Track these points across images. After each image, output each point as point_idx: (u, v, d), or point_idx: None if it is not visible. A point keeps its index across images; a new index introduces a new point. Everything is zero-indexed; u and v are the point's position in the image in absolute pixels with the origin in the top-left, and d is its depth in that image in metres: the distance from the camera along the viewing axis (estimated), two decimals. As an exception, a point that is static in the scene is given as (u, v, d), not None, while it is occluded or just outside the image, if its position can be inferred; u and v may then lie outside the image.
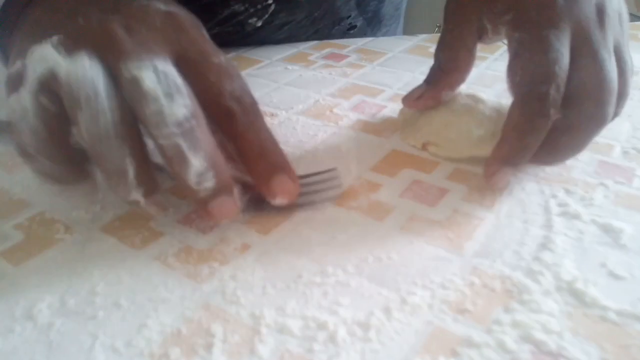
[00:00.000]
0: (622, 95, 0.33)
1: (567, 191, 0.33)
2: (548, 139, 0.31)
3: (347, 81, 0.49)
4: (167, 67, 0.25)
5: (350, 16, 0.63)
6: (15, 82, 0.25)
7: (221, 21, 0.56)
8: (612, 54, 0.32)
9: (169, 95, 0.24)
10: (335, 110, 0.43)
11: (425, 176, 0.34)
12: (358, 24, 0.65)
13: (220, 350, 0.22)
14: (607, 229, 0.29)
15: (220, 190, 0.25)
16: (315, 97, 0.46)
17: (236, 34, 0.57)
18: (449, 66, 0.37)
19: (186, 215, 0.31)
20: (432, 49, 0.57)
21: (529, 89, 0.31)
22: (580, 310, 0.24)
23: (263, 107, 0.43)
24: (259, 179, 0.28)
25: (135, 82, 0.24)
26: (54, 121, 0.25)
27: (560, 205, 0.32)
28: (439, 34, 0.61)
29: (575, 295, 0.25)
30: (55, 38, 0.24)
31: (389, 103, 0.45)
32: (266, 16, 0.56)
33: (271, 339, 0.23)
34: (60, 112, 0.24)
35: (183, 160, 0.24)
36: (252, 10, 0.55)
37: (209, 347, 0.22)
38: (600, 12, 0.32)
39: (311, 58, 0.55)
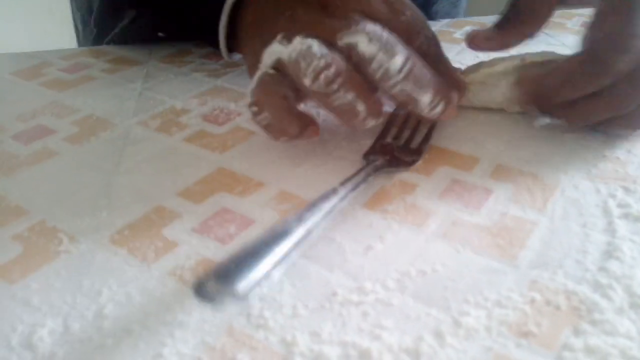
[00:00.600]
0: None
1: (626, 189, 0.29)
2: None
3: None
4: (375, 27, 0.28)
5: None
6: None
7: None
8: None
9: (384, 50, 0.28)
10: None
11: (466, 174, 0.31)
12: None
13: (248, 384, 0.19)
14: (678, 234, 0.26)
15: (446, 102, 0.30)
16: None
17: None
18: (525, 10, 0.34)
19: (203, 223, 0.27)
20: (456, 34, 0.54)
21: (603, 48, 0.30)
22: (662, 331, 0.21)
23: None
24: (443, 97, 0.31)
25: (352, 48, 0.28)
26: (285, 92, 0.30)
27: (620, 206, 0.28)
28: (462, 19, 0.57)
29: (654, 313, 0.22)
30: (278, 36, 0.29)
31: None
32: None
33: (306, 370, 0.20)
34: (290, 86, 0.30)
35: (412, 100, 0.29)
36: None
37: (235, 381, 0.19)
38: None
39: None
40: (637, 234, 0.26)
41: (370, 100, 0.29)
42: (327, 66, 0.27)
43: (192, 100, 0.41)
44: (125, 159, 0.34)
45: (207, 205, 0.29)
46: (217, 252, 0.25)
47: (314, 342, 0.21)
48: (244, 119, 0.38)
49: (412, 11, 0.31)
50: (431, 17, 0.60)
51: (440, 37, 0.51)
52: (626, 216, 0.27)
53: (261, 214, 0.28)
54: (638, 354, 0.20)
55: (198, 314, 0.22)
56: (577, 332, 0.21)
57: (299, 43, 0.28)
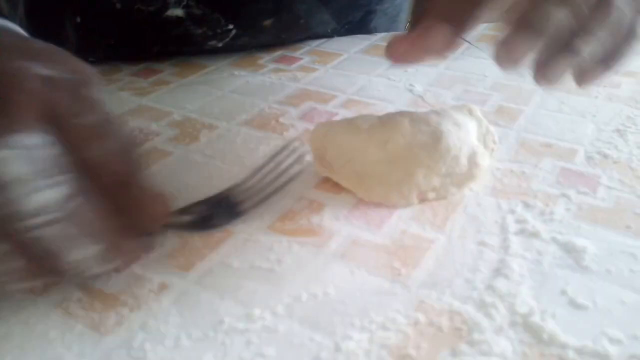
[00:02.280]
0: None
1: (526, 205, 0.30)
2: None
3: (297, 86, 0.46)
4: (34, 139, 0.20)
5: (332, 34, 0.58)
6: None
7: (178, 40, 0.51)
8: None
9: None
10: (281, 119, 0.40)
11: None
12: (341, 34, 0.59)
13: (118, 421, 0.19)
14: (568, 249, 0.27)
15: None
16: (261, 106, 0.42)
17: (195, 53, 0.52)
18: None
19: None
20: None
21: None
22: (536, 349, 0.21)
23: (203, 119, 0.40)
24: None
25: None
26: None
27: (518, 222, 0.29)
28: (397, 32, 0.58)
29: (531, 331, 0.22)
30: None
31: (341, 110, 0.42)
32: (227, 39, 0.51)
33: (178, 405, 0.19)
34: None
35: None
36: (210, 33, 0.50)
37: (103, 418, 0.19)
38: None
39: (261, 62, 0.51)
40: (529, 250, 0.27)
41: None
42: None
43: (112, 120, 0.40)
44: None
45: (108, 232, 0.28)
46: (108, 280, 0.25)
47: (190, 374, 0.21)
48: (163, 139, 0.38)
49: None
50: (370, 32, 0.60)
51: (374, 52, 0.50)
52: (522, 232, 0.28)
53: (163, 238, 0.28)
54: (509, 374, 0.20)
55: (78, 347, 0.22)
56: (454, 353, 0.21)
57: None
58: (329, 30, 0.57)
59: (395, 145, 0.30)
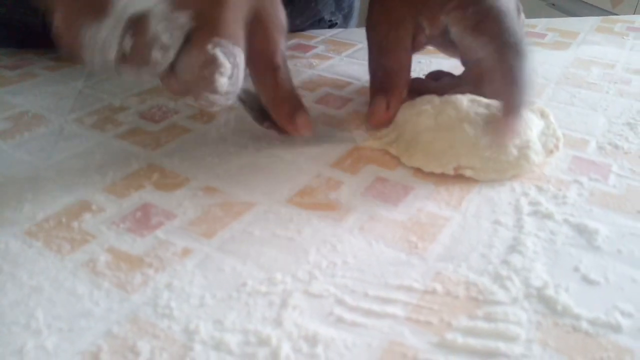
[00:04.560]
0: None
1: (539, 189, 0.31)
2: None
3: (312, 73, 0.47)
4: (240, 55, 0.28)
5: (330, 17, 0.60)
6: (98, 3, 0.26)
7: None
8: None
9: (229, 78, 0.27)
10: (297, 102, 0.41)
11: (390, 173, 0.32)
12: (338, 22, 0.62)
13: (146, 371, 0.20)
14: (580, 230, 0.27)
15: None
16: (278, 89, 0.43)
17: None
18: (395, 69, 0.36)
19: (123, 217, 0.28)
20: (404, 40, 0.55)
21: (507, 41, 0.33)
22: (550, 319, 0.22)
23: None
24: (284, 118, 0.33)
25: (210, 61, 0.27)
26: None
27: (531, 204, 0.29)
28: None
29: (545, 302, 0.23)
30: None
31: (355, 96, 0.43)
32: None
33: (204, 357, 0.20)
34: None
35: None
36: None
37: (132, 367, 0.20)
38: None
39: (277, 49, 0.52)
40: (542, 230, 0.27)
41: None
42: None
43: (131, 98, 0.41)
44: (56, 154, 0.34)
45: (131, 200, 0.29)
46: (133, 244, 0.26)
47: (216, 330, 0.21)
48: (181, 117, 0.38)
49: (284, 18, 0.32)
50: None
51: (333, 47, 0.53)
52: (535, 213, 0.29)
53: (184, 208, 0.28)
54: (524, 339, 0.21)
55: (106, 304, 0.22)
56: (471, 319, 0.22)
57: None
58: (332, 15, 0.59)
59: (445, 116, 0.32)
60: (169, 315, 0.22)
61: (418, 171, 0.32)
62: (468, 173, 0.31)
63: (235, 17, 0.28)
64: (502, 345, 0.21)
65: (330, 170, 0.32)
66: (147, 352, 0.20)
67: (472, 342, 0.21)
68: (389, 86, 0.36)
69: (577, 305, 0.23)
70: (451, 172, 0.31)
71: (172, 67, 0.28)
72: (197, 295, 0.23)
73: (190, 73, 0.27)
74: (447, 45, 0.38)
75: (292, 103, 0.33)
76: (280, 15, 0.31)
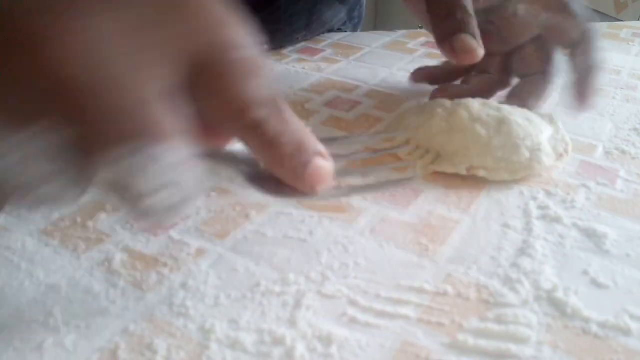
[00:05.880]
0: None
1: (548, 193, 0.31)
2: None
3: (321, 76, 0.47)
4: (173, 153, 0.17)
5: (340, 27, 0.61)
6: None
7: None
8: None
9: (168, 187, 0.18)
10: (306, 106, 0.41)
11: (399, 176, 0.32)
12: (348, 31, 0.63)
13: (163, 368, 0.20)
14: (589, 234, 0.28)
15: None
16: (286, 92, 0.43)
17: None
18: (472, 12, 0.33)
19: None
20: (411, 45, 0.56)
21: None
22: (560, 322, 0.22)
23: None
24: (291, 177, 0.21)
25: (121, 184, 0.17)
26: None
27: (540, 207, 0.30)
28: (418, 30, 0.59)
29: (555, 305, 0.23)
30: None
31: (364, 99, 0.43)
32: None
33: (221, 356, 0.20)
34: None
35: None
36: None
37: (150, 365, 0.20)
38: None
39: (285, 52, 0.52)
40: (551, 233, 0.28)
41: None
42: None
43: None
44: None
45: (145, 200, 0.29)
46: (147, 244, 0.26)
47: (231, 329, 0.22)
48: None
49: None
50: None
51: (394, 48, 0.54)
52: (544, 217, 0.29)
53: (197, 209, 0.29)
54: (535, 341, 0.21)
55: (122, 302, 0.23)
56: (482, 321, 0.22)
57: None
58: (342, 25, 0.60)
59: (457, 118, 0.32)
60: (185, 314, 0.22)
61: (428, 175, 0.32)
62: (481, 173, 0.31)
63: (141, 99, 0.17)
64: (513, 347, 0.21)
65: (339, 174, 0.32)
66: (164, 350, 0.20)
67: (484, 343, 0.21)
68: (473, 27, 0.32)
69: (587, 308, 0.23)
70: (464, 172, 0.31)
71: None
72: (212, 295, 0.23)
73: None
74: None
75: (298, 156, 0.21)
76: (236, 53, 0.20)
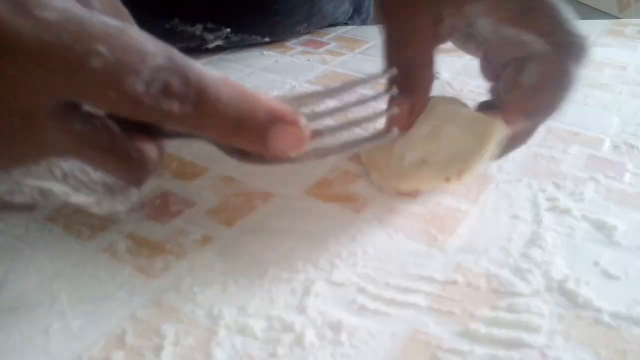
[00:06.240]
0: None
1: (557, 185, 0.31)
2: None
3: (326, 68, 0.47)
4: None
5: (347, 22, 0.60)
6: None
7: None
8: None
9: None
10: (312, 97, 0.41)
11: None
12: (356, 25, 0.62)
13: (171, 354, 0.20)
14: (599, 226, 0.27)
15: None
16: (292, 84, 0.43)
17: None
18: (420, 64, 0.30)
19: (142, 204, 0.28)
20: (416, 39, 0.56)
21: (564, 38, 0.27)
22: (572, 312, 0.22)
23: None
24: (249, 145, 0.21)
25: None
26: None
27: (549, 200, 0.29)
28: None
29: (566, 295, 0.23)
30: None
31: (370, 92, 0.43)
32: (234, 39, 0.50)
33: (229, 342, 0.20)
34: None
35: None
36: (246, 45, 0.51)
37: (157, 350, 0.20)
38: None
39: (289, 44, 0.52)
40: (561, 225, 0.27)
41: None
42: None
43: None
44: (73, 142, 0.34)
45: (150, 188, 0.29)
46: (153, 231, 0.26)
47: (240, 316, 0.21)
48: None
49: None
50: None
51: (346, 44, 0.52)
52: (553, 209, 0.29)
53: (203, 197, 0.28)
54: (547, 331, 0.21)
55: (129, 288, 0.22)
56: (493, 311, 0.22)
57: None
58: (349, 20, 0.60)
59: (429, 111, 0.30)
60: (193, 300, 0.22)
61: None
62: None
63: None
64: (525, 336, 0.21)
65: (346, 163, 0.32)
66: (172, 336, 0.20)
67: (496, 332, 0.21)
68: (413, 85, 0.30)
69: (599, 299, 0.23)
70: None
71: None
72: (220, 281, 0.23)
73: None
74: (467, 40, 0.33)
75: (249, 125, 0.20)
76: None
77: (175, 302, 0.22)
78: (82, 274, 0.23)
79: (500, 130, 0.28)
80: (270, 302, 0.22)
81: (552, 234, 0.27)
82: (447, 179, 0.27)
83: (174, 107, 0.18)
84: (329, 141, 0.24)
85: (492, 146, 0.28)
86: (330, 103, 0.26)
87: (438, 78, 0.32)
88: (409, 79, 0.30)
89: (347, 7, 0.60)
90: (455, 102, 0.31)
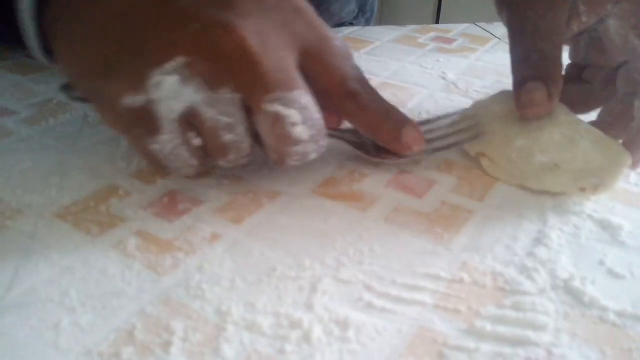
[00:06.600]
0: None
1: (562, 185, 0.31)
2: None
3: (331, 68, 0.47)
4: (304, 97, 0.26)
5: (352, 21, 0.61)
6: (143, 118, 0.25)
7: None
8: None
9: (304, 123, 0.26)
10: (318, 97, 0.41)
11: (413, 166, 0.32)
12: (360, 24, 0.63)
13: (179, 350, 0.20)
14: (604, 225, 0.28)
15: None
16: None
17: None
18: (556, 55, 0.31)
19: (151, 202, 0.28)
20: (421, 39, 0.56)
21: None
22: (578, 310, 0.22)
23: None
24: (389, 139, 0.30)
25: (277, 119, 0.25)
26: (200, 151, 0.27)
27: (554, 199, 0.29)
28: (428, 25, 0.59)
29: (572, 294, 0.23)
30: (177, 61, 0.24)
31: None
32: None
33: (238, 338, 0.20)
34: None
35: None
36: None
37: (166, 346, 0.20)
38: None
39: (295, 45, 0.52)
40: (566, 224, 0.28)
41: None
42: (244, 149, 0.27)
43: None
44: (82, 140, 0.34)
45: (157, 187, 0.29)
46: (162, 228, 0.26)
47: (248, 312, 0.21)
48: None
49: (342, 41, 0.29)
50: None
51: (405, 42, 0.53)
52: (559, 207, 0.29)
53: (210, 196, 0.29)
54: (553, 329, 0.21)
55: (138, 284, 0.23)
56: (499, 309, 0.22)
57: (222, 101, 0.25)
58: (354, 20, 0.60)
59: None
60: (201, 297, 0.22)
61: (442, 166, 0.32)
62: (485, 163, 0.32)
63: (281, 67, 0.25)
64: (531, 334, 0.21)
65: (353, 162, 0.32)
66: (181, 332, 0.20)
67: (502, 330, 0.21)
68: (550, 73, 0.30)
69: (604, 298, 0.23)
70: (472, 154, 0.33)
71: (255, 142, 0.27)
72: (228, 278, 0.23)
73: (268, 139, 0.26)
74: (587, 43, 0.33)
75: (391, 122, 0.30)
76: (335, 43, 0.28)
77: (184, 298, 0.22)
78: (92, 270, 0.23)
79: (628, 163, 0.30)
80: (278, 299, 0.22)
81: (558, 232, 0.27)
82: (583, 189, 0.29)
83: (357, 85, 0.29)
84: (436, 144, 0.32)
85: (623, 174, 0.29)
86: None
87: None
88: (544, 69, 0.31)
89: (353, 7, 0.60)
90: (566, 110, 0.32)
